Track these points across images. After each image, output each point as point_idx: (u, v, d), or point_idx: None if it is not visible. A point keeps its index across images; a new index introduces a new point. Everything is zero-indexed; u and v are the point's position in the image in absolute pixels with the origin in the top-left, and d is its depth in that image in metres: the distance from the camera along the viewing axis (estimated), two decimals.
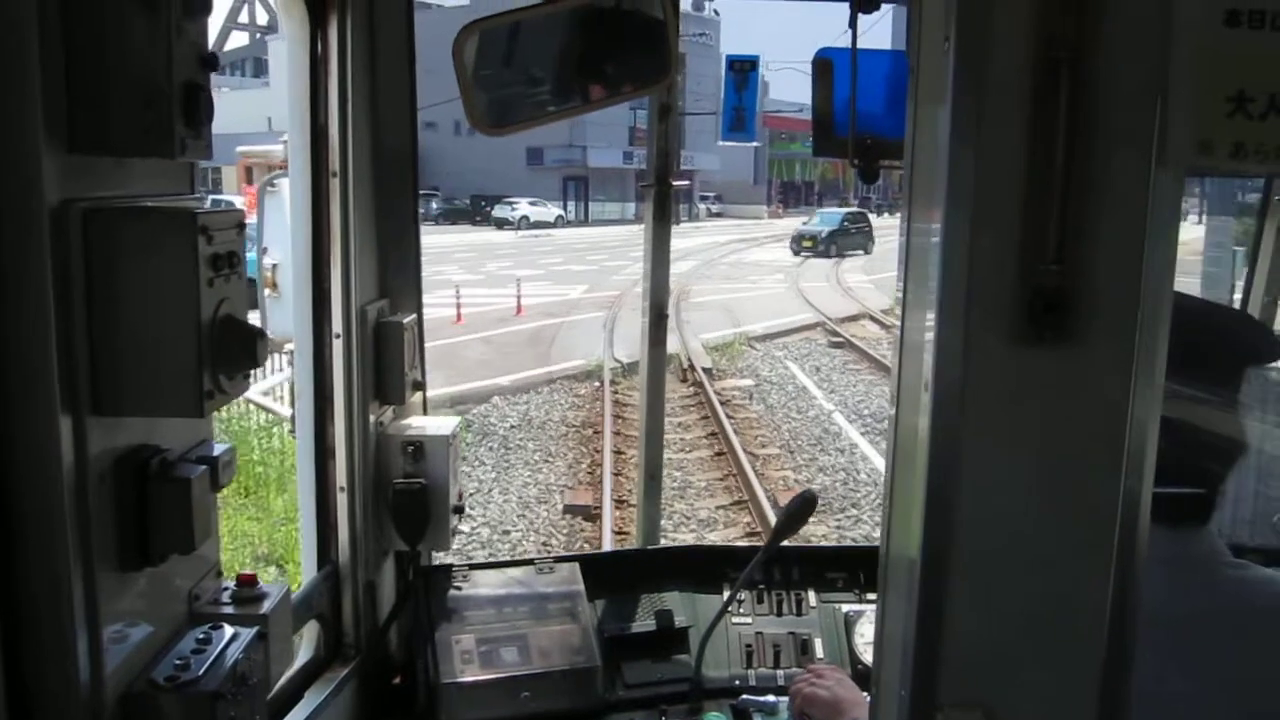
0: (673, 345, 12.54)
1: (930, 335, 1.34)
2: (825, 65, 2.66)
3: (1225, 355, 2.12)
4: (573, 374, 18.74)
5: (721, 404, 16.29)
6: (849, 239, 50.31)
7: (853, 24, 2.33)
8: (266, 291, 3.05)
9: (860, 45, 2.27)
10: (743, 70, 3.93)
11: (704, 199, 78.00)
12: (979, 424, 1.34)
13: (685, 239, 49.85)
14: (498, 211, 62.37)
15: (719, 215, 79.58)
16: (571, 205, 70.87)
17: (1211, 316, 2.44)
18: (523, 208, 62.52)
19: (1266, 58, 1.29)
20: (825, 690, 2.63)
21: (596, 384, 17.81)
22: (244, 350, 1.57)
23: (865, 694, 2.56)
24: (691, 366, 18.97)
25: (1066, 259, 1.30)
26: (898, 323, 1.47)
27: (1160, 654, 1.77)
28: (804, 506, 2.77)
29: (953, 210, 1.30)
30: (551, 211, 64.57)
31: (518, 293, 26.19)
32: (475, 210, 64.02)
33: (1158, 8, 1.27)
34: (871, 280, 35.62)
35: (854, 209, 60.70)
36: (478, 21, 2.60)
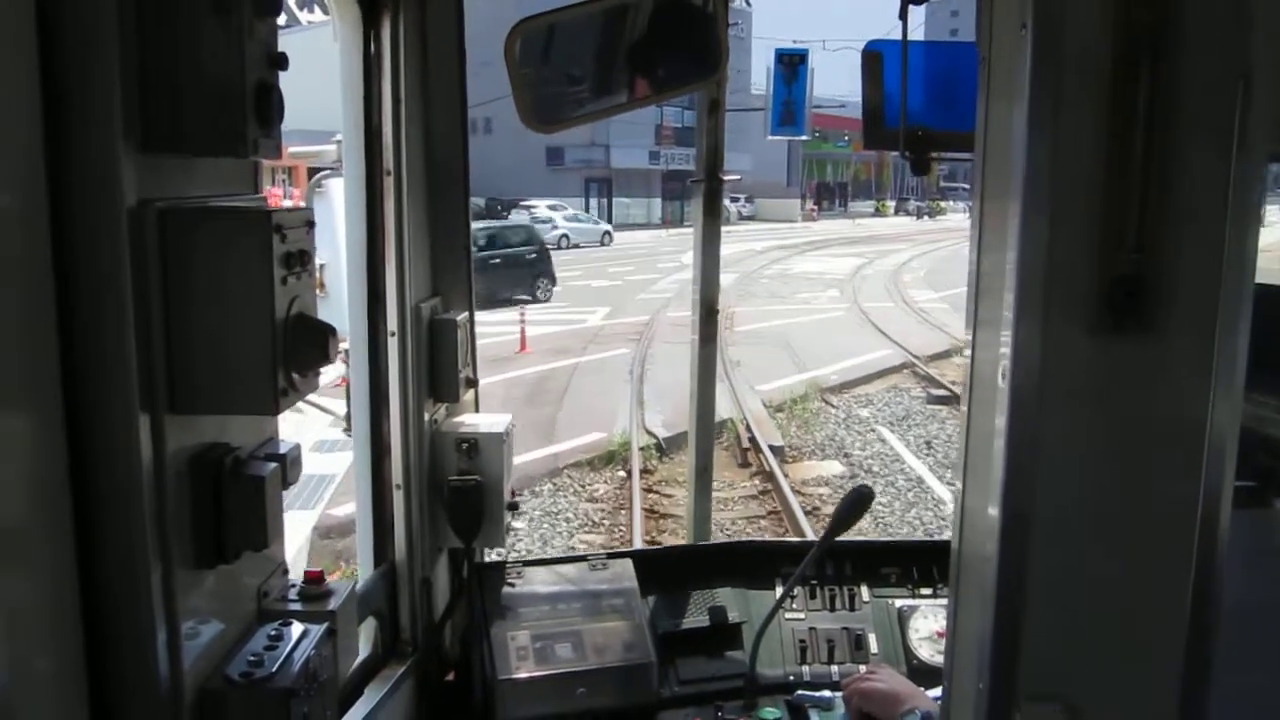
0: (722, 404, 9.61)
1: (1007, 327, 1.33)
2: (874, 57, 2.64)
3: None
4: (587, 457, 13.27)
5: (807, 512, 11.05)
6: None
7: (903, 15, 2.32)
8: (316, 292, 3.07)
9: (895, 38, 2.27)
10: (792, 64, 3.92)
11: (734, 200, 70.00)
12: (1057, 416, 1.32)
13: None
14: (514, 217, 49.52)
15: (750, 218, 73.34)
16: (594, 207, 64.13)
17: None
18: (541, 212, 51.69)
19: None
20: (882, 683, 2.62)
21: (621, 473, 12.66)
22: (317, 347, 1.58)
23: (922, 688, 2.55)
24: (753, 443, 13.62)
25: (1146, 247, 1.28)
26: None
27: (1244, 644, 1.74)
28: (859, 501, 2.75)
29: (1029, 200, 1.29)
30: (600, 227, 53.96)
31: (522, 321, 20.94)
32: (491, 214, 50.53)
33: None
34: (942, 298, 28.70)
35: None
36: (529, 19, 2.60)
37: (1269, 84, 1.26)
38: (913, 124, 2.31)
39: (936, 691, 2.39)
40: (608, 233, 53.67)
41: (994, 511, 1.37)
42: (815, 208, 78.72)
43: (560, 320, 24.85)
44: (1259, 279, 1.34)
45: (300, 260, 1.55)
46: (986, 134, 1.44)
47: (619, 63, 2.73)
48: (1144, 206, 1.27)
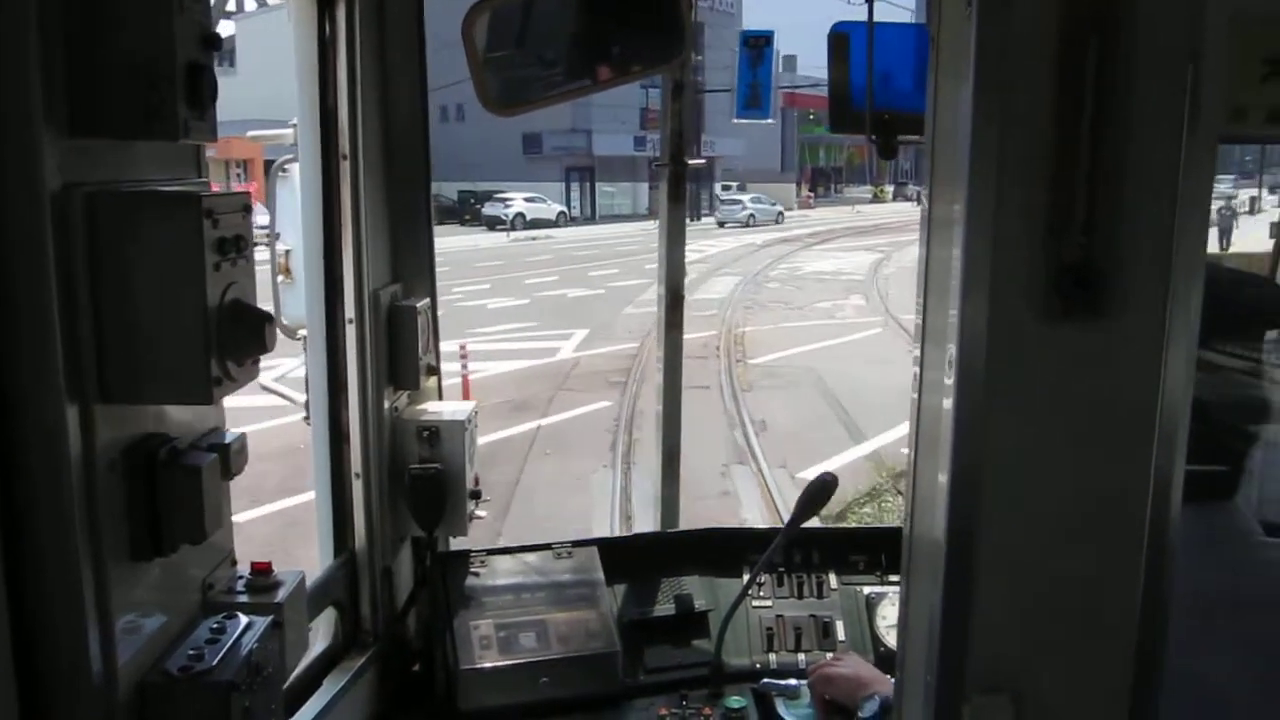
0: (753, 507, 8.92)
1: (954, 313, 1.31)
2: (841, 39, 2.61)
3: (1250, 320, 2.10)
4: None
5: None
6: None
7: None
8: (280, 278, 3.03)
9: (879, 18, 2.23)
10: (757, 46, 3.88)
11: (726, 188, 63.73)
12: (1005, 402, 1.30)
13: (712, 239, 42.55)
14: (489, 209, 50.39)
15: None
16: (575, 199, 59.46)
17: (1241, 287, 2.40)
18: (518, 204, 50.66)
19: None
20: (845, 668, 2.63)
21: None
22: (253, 335, 1.54)
23: (887, 675, 2.55)
24: None
25: (1095, 231, 1.26)
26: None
27: (1192, 634, 1.74)
28: (822, 489, 2.74)
29: (976, 184, 1.27)
30: (553, 208, 53.00)
31: (463, 358, 13.52)
32: (463, 208, 51.79)
33: None
34: None
35: None
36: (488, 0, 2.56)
37: (1218, 65, 1.24)
38: (879, 107, 2.28)
39: None
40: (562, 213, 53.47)
41: (943, 500, 1.35)
42: (811, 194, 73.88)
43: (522, 351, 18.57)
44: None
45: (235, 245, 1.51)
46: (935, 116, 1.41)
47: (581, 45, 2.69)
48: (1092, 190, 1.25)
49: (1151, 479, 1.33)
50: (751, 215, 49.47)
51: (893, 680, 2.51)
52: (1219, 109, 1.25)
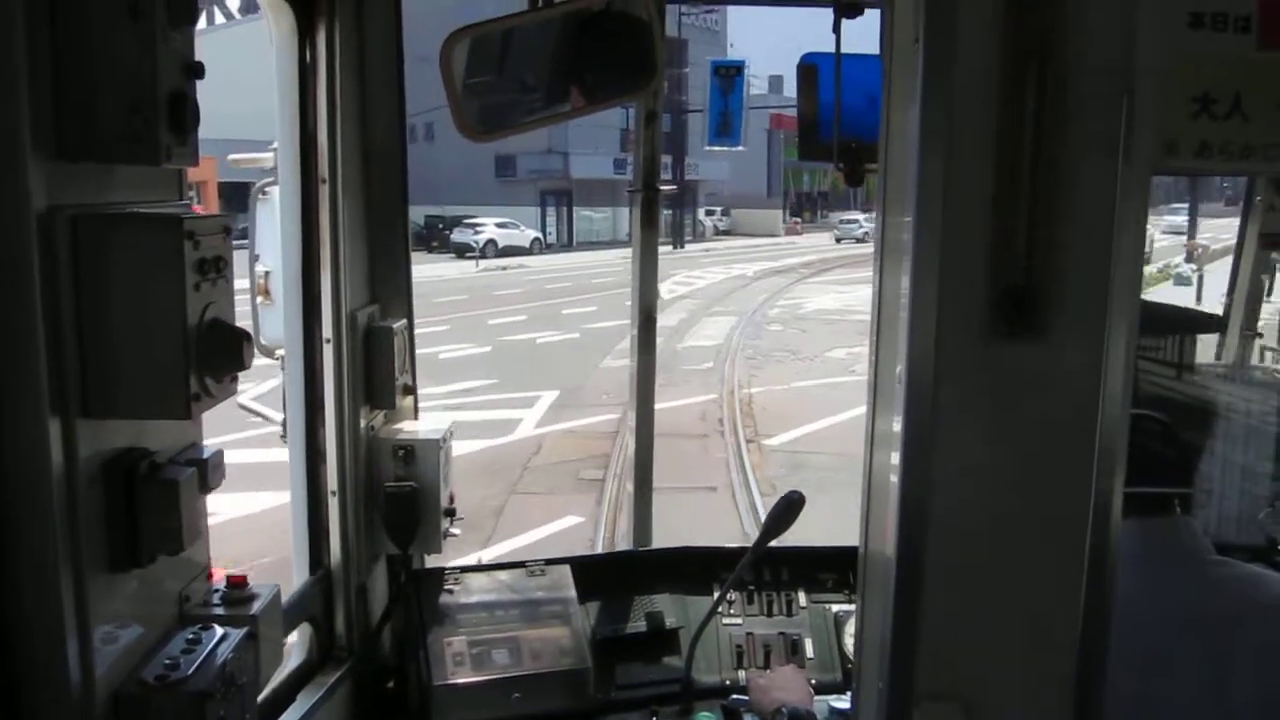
0: None
1: (903, 333, 1.37)
2: (810, 70, 2.69)
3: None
4: None
5: None
6: None
7: (836, 28, 2.37)
8: (260, 299, 3.07)
9: (853, 50, 2.30)
10: (728, 75, 3.96)
11: (710, 214, 61.78)
12: (951, 420, 1.36)
13: (699, 269, 37.98)
14: (458, 235, 46.10)
15: (727, 233, 62.21)
16: (552, 224, 54.69)
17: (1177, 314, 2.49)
18: (489, 230, 46.71)
19: (1229, 60, 1.32)
20: (763, 679, 2.76)
21: None
22: (231, 353, 1.59)
23: (810, 690, 2.69)
24: None
25: (1036, 256, 1.32)
26: None
27: (1141, 648, 1.79)
28: (790, 508, 2.78)
29: (922, 208, 1.33)
30: (527, 234, 49.04)
31: None
32: (430, 234, 47.07)
33: (1122, 11, 1.30)
34: None
35: None
36: (466, 28, 2.62)
37: (1150, 99, 1.31)
38: (847, 135, 2.35)
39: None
40: (537, 239, 49.66)
41: (893, 517, 1.41)
42: (798, 220, 69.22)
43: (473, 425, 13.01)
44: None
45: (215, 266, 1.56)
46: (888, 145, 1.48)
47: (555, 72, 2.75)
48: (1033, 215, 1.32)
49: (1092, 494, 1.38)
50: (491, 241, 45.60)
51: (809, 694, 2.61)
52: (1152, 142, 1.32)
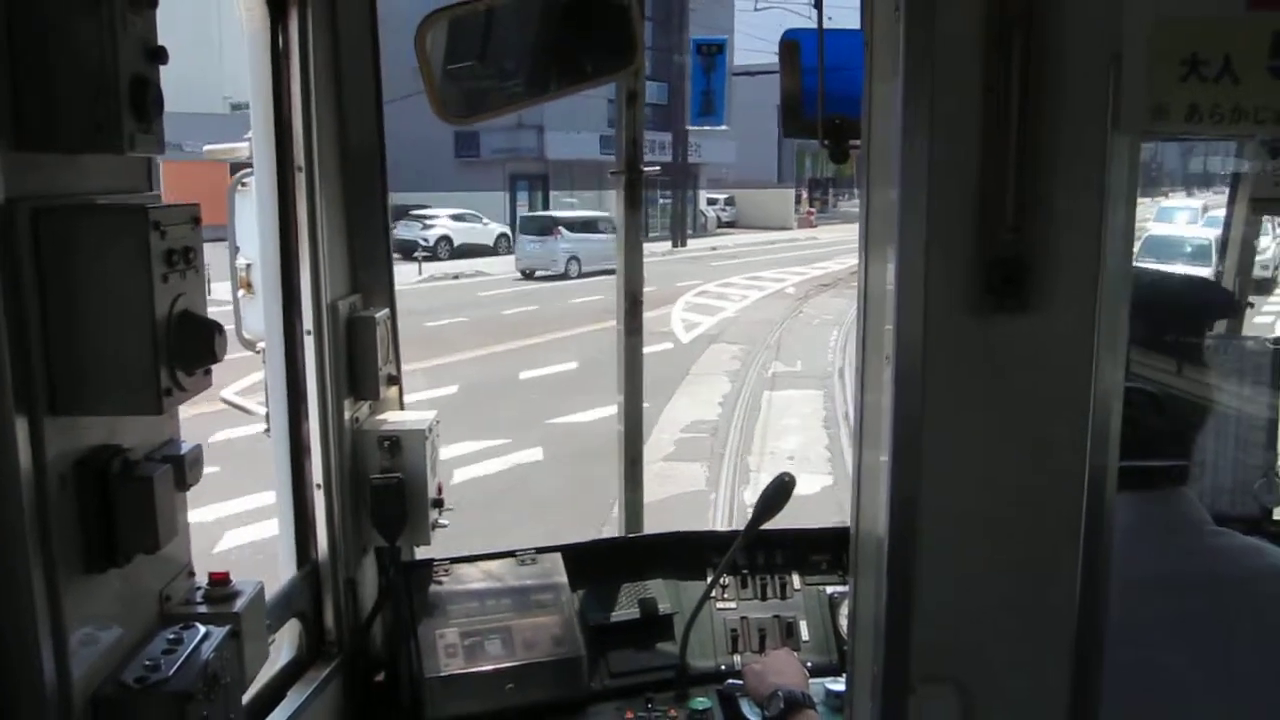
0: None
1: (890, 310, 1.34)
2: (792, 46, 2.65)
3: (1186, 317, 2.14)
4: None
5: None
6: None
7: (818, 4, 2.33)
8: (240, 292, 3.03)
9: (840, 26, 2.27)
10: (710, 54, 3.93)
11: (712, 203, 52.45)
12: (940, 397, 1.33)
13: (715, 279, 29.52)
14: (403, 231, 33.82)
15: (731, 224, 53.69)
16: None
17: (1167, 283, 2.46)
18: (442, 224, 37.46)
19: (1219, 20, 1.28)
20: (758, 664, 2.72)
21: None
22: (203, 346, 1.55)
23: (805, 673, 2.65)
24: None
25: (1024, 227, 1.29)
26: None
27: (1140, 620, 1.77)
28: (780, 490, 2.76)
29: (907, 182, 1.30)
30: (491, 229, 39.45)
31: None
32: None
33: None
34: None
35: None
36: (441, 10, 2.58)
37: (1138, 65, 1.28)
38: (831, 112, 2.32)
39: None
40: (504, 234, 39.20)
41: (884, 496, 1.38)
42: (811, 210, 58.36)
43: None
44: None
45: (184, 257, 1.52)
46: (871, 118, 1.44)
47: (533, 54, 2.71)
48: (1020, 186, 1.29)
49: (1086, 469, 1.36)
50: (445, 238, 36.08)
51: (804, 677, 2.59)
52: (1141, 107, 1.29)
